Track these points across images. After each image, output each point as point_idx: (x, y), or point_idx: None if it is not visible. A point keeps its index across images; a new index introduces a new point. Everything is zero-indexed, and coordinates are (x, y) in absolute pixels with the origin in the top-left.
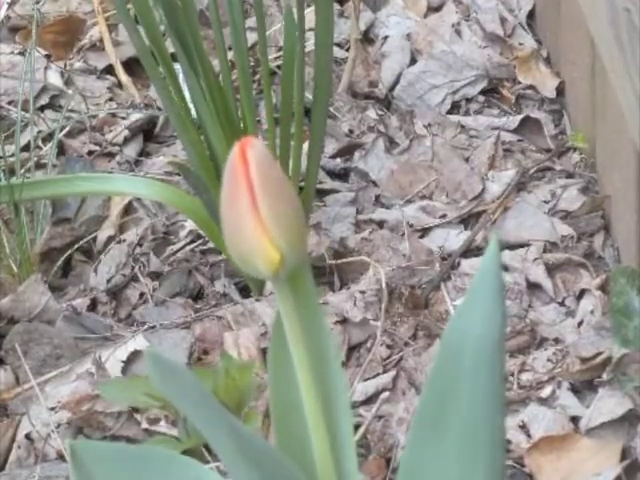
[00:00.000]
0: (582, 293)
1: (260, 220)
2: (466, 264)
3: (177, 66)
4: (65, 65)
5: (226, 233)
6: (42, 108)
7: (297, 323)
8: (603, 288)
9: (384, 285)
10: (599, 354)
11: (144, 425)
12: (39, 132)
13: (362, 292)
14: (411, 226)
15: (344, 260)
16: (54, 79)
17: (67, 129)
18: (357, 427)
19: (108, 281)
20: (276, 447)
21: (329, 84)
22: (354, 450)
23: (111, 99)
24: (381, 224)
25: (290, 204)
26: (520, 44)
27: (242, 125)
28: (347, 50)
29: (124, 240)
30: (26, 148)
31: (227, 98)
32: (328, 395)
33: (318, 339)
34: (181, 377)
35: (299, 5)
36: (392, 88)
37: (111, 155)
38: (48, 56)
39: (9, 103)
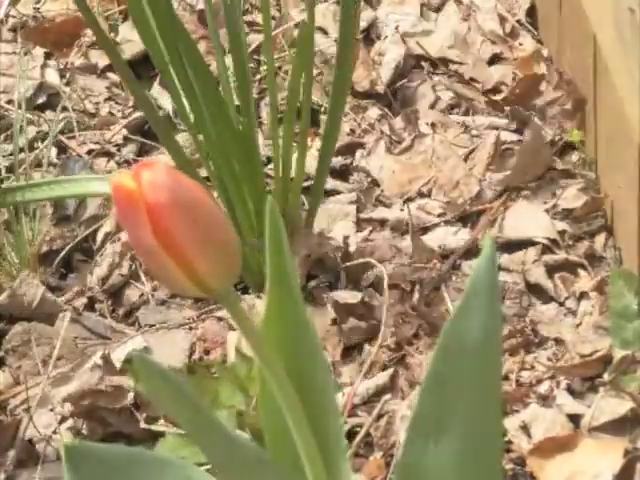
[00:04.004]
0: (582, 293)
1: (172, 252)
2: (467, 264)
3: None
4: (66, 64)
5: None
6: (42, 108)
7: (253, 335)
8: (602, 288)
9: (386, 284)
10: (598, 351)
11: (142, 425)
12: (39, 132)
13: (364, 291)
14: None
15: (345, 259)
16: (52, 78)
17: (67, 128)
18: (359, 427)
19: (107, 281)
20: (269, 453)
21: (348, 86)
22: (346, 455)
23: (110, 98)
24: (382, 223)
25: (207, 223)
26: (520, 44)
27: (241, 126)
28: None
29: (122, 240)
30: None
31: (225, 99)
32: (316, 401)
33: (302, 343)
34: (171, 383)
35: (309, 6)
36: (393, 87)
37: (110, 155)
38: (49, 55)
39: (8, 102)
